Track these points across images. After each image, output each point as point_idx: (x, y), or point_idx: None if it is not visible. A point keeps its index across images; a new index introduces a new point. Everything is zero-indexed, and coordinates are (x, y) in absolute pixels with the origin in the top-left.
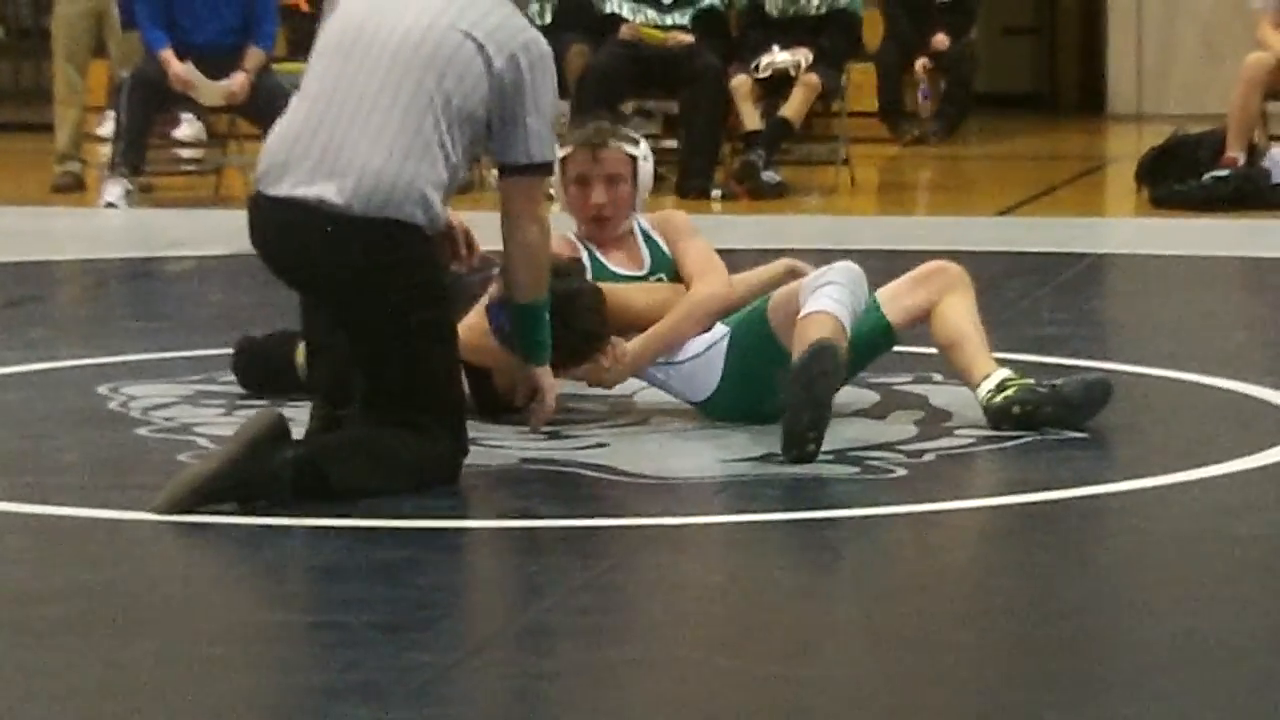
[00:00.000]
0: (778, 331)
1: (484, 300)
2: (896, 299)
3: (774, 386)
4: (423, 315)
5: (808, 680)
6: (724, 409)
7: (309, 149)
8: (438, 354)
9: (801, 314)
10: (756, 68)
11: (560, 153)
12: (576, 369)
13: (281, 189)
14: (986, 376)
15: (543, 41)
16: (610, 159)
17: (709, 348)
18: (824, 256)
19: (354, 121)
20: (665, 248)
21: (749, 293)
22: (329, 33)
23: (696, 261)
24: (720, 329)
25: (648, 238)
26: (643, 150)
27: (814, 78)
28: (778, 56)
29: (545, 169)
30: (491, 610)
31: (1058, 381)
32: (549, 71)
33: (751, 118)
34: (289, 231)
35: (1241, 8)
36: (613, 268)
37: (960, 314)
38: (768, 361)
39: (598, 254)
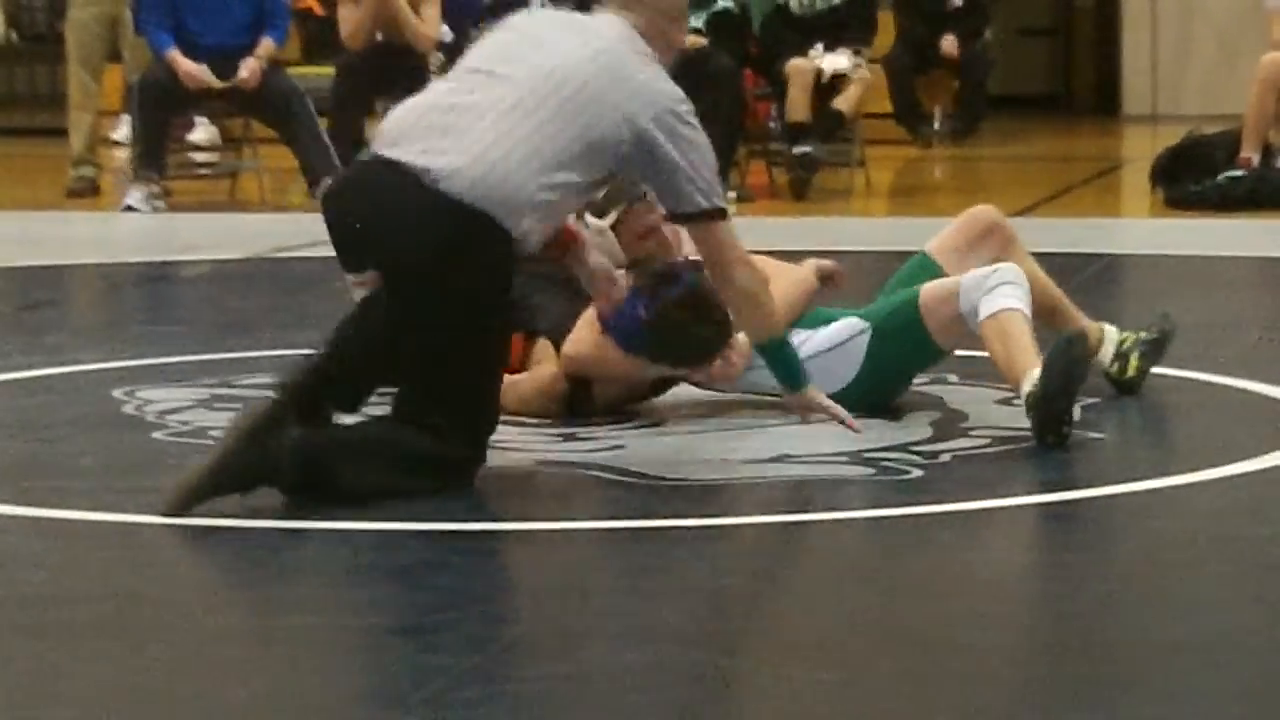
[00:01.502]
0: (934, 333)
1: (589, 312)
2: (955, 262)
3: (910, 381)
4: (479, 320)
5: (825, 682)
6: (851, 402)
7: (434, 124)
8: (480, 362)
9: (989, 313)
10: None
11: (610, 219)
12: (704, 367)
13: (393, 152)
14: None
15: (684, 98)
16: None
17: (845, 342)
18: (841, 259)
19: (486, 116)
20: None
21: (793, 310)
22: (479, 50)
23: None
24: (855, 323)
25: None
26: None
27: (867, 74)
28: (826, 60)
29: (720, 213)
30: (509, 613)
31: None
32: (695, 123)
33: (803, 108)
34: (381, 194)
35: (1257, 8)
36: None
37: (1037, 277)
38: (917, 359)
39: None
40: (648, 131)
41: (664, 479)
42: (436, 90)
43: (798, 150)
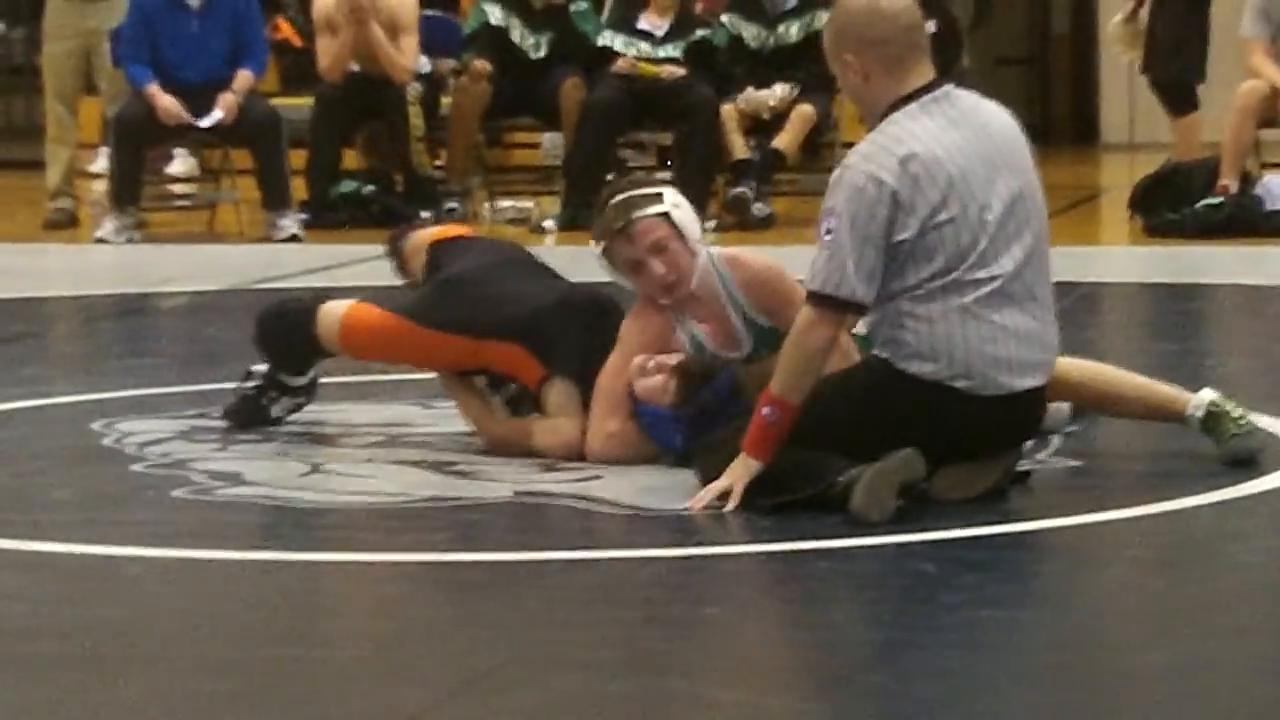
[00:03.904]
0: None
1: (607, 390)
2: None
3: None
4: None
5: (808, 712)
6: None
7: (1005, 352)
8: None
9: None
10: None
11: (595, 248)
12: None
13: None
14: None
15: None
16: (643, 232)
17: None
18: None
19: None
20: (761, 319)
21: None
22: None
23: None
24: None
25: (744, 314)
26: (670, 199)
27: (808, 108)
28: (755, 93)
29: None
30: (486, 644)
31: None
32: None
33: (741, 148)
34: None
35: (1232, 36)
36: (716, 351)
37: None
38: None
39: (701, 338)
40: None
41: (641, 509)
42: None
43: (733, 192)
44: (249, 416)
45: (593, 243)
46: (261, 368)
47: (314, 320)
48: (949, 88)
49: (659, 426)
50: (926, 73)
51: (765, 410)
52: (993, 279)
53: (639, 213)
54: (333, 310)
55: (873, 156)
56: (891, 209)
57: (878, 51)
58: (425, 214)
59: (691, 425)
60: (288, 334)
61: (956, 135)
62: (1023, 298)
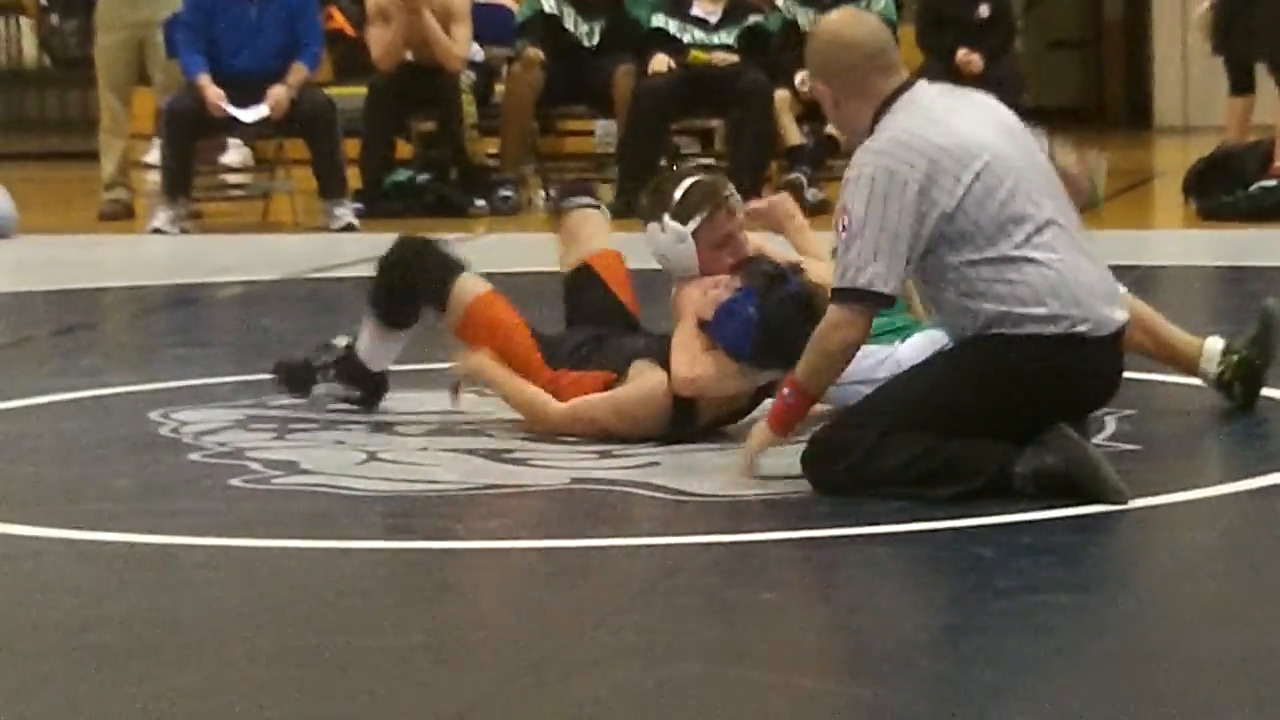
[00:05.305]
0: None
1: (682, 335)
2: None
3: None
4: None
5: (861, 697)
6: None
7: (1093, 280)
8: None
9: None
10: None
11: (691, 224)
12: None
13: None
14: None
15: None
16: (737, 207)
17: (880, 363)
18: None
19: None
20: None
21: None
22: (1007, 191)
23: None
24: (938, 337)
25: None
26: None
27: None
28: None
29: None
30: (543, 631)
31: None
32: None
33: (794, 134)
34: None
35: None
36: None
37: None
38: None
39: None
40: None
41: (698, 495)
42: (1055, 265)
43: (786, 177)
44: (299, 380)
45: (672, 220)
46: (341, 345)
47: (449, 287)
48: (919, 82)
49: (728, 327)
50: (898, 80)
51: (785, 391)
52: (1047, 224)
53: (730, 190)
54: (467, 289)
55: (885, 151)
56: (914, 191)
57: (844, 79)
58: (480, 202)
59: (760, 328)
60: (416, 280)
61: (949, 102)
62: (1080, 241)
